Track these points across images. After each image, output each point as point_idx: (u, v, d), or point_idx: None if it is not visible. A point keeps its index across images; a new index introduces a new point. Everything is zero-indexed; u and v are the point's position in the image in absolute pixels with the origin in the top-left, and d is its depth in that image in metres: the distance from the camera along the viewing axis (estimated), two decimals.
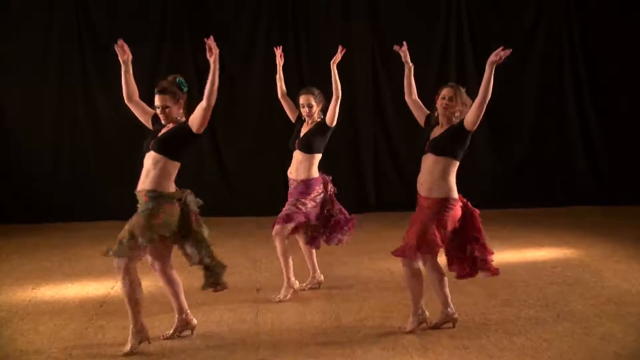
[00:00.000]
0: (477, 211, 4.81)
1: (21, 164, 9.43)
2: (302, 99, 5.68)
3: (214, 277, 4.58)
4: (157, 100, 4.53)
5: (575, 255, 7.06)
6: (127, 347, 4.47)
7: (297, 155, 5.70)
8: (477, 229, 4.78)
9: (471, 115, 4.60)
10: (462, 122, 4.67)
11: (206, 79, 4.41)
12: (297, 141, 5.69)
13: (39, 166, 9.45)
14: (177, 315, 4.74)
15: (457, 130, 4.67)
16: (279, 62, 5.93)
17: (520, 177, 10.09)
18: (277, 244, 5.64)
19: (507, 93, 9.24)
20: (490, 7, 10.01)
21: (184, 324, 4.75)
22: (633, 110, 10.13)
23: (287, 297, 5.63)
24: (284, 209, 5.65)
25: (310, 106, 5.64)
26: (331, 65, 5.64)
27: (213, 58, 4.38)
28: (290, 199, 5.67)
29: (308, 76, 9.36)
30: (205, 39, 4.40)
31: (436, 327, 4.85)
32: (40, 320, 5.16)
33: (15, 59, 9.34)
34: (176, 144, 4.53)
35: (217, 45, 4.38)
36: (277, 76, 5.93)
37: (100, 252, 4.48)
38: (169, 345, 4.63)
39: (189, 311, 4.77)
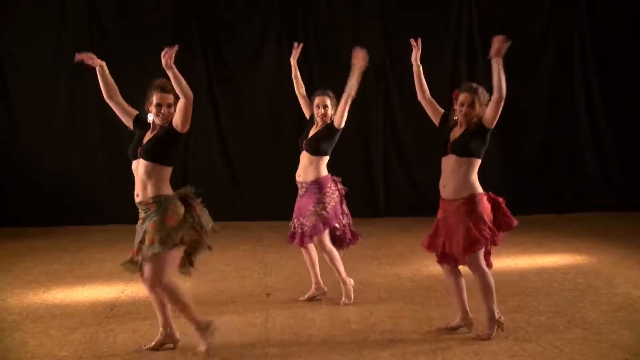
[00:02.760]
0: (500, 199, 4.76)
1: (32, 167, 9.47)
2: (317, 100, 5.58)
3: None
4: (162, 99, 4.37)
5: (586, 261, 7.02)
6: (202, 347, 4.45)
7: (304, 156, 5.61)
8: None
9: (490, 113, 4.59)
10: (481, 120, 4.65)
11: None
12: (304, 142, 5.61)
13: (49, 169, 9.49)
14: (161, 329, 4.65)
15: (478, 130, 4.65)
16: (293, 61, 5.79)
17: (531, 183, 10.06)
18: (325, 254, 5.55)
19: (517, 96, 9.21)
20: (501, 7, 9.98)
21: (167, 338, 4.66)
22: None
23: (352, 300, 5.59)
24: (312, 219, 5.47)
25: (325, 107, 5.54)
26: (353, 64, 5.34)
27: (167, 66, 4.20)
28: (309, 207, 5.49)
29: (318, 76, 9.29)
30: (163, 54, 4.20)
31: (452, 329, 4.87)
32: (51, 323, 5.18)
33: (27, 60, 9.40)
34: (165, 149, 4.40)
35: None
36: (293, 74, 5.81)
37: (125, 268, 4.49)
38: (177, 349, 4.62)
39: (173, 325, 4.67)
